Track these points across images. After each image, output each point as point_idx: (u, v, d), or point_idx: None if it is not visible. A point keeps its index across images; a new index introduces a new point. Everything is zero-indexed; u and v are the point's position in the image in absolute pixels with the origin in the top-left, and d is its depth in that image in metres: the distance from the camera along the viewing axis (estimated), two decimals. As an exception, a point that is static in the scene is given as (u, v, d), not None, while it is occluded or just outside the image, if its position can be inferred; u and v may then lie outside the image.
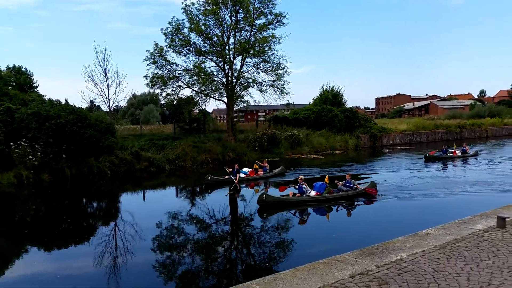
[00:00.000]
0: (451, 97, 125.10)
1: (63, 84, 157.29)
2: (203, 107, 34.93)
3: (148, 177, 22.53)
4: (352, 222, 11.90)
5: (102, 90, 29.02)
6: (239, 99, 31.96)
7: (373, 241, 6.84)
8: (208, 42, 30.15)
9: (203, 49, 30.12)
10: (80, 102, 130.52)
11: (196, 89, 30.73)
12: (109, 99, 29.52)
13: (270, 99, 31.98)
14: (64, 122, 21.04)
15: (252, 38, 30.30)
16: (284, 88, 31.25)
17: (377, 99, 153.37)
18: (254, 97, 32.81)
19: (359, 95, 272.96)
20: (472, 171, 20.56)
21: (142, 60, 29.55)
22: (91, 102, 46.44)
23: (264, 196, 13.08)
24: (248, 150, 29.25)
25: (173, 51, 29.84)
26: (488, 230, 7.07)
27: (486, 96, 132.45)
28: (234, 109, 33.97)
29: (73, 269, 8.52)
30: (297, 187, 13.96)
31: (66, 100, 29.00)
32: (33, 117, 21.21)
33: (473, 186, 16.06)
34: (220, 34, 30.16)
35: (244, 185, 18.35)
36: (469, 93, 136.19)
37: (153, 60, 29.17)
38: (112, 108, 31.04)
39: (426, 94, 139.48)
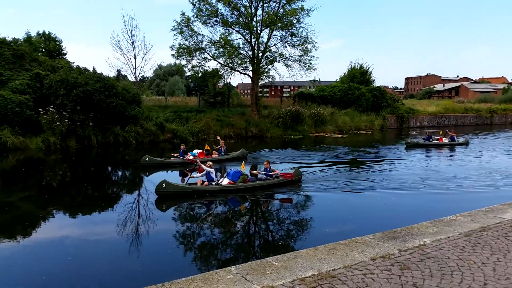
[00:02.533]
0: (483, 80, 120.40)
1: (91, 51, 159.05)
2: (228, 80, 34.81)
3: (172, 149, 22.72)
4: (373, 206, 11.68)
5: (129, 59, 29.27)
6: (265, 74, 31.53)
7: (395, 225, 6.70)
8: (235, 13, 29.73)
9: (230, 20, 29.75)
10: (107, 70, 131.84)
11: (221, 61, 30.55)
12: (135, 68, 29.76)
13: (296, 74, 31.63)
14: (92, 90, 21.33)
15: (281, 10, 29.70)
16: (311, 63, 30.69)
17: (407, 79, 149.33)
18: (279, 72, 32.14)
19: (388, 74, 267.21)
20: (498, 159, 19.90)
21: (169, 30, 29.58)
22: (118, 71, 46.73)
23: (164, 184, 11.36)
24: (272, 126, 29.15)
25: (199, 22, 29.65)
26: (517, 220, 6.81)
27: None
28: (259, 84, 33.67)
29: (97, 235, 8.75)
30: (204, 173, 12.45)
31: (93, 68, 29.24)
32: (61, 84, 21.56)
33: (498, 176, 15.54)
34: (248, 4, 29.71)
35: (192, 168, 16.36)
36: (502, 76, 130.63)
37: (179, 30, 29.02)
38: (138, 78, 31.27)
39: (457, 76, 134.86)
